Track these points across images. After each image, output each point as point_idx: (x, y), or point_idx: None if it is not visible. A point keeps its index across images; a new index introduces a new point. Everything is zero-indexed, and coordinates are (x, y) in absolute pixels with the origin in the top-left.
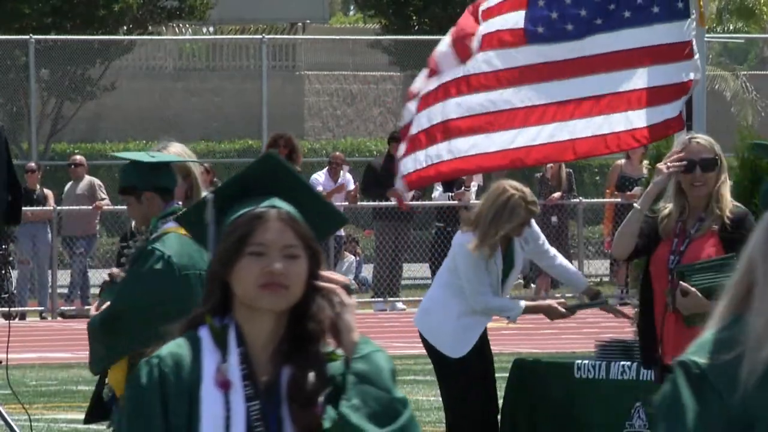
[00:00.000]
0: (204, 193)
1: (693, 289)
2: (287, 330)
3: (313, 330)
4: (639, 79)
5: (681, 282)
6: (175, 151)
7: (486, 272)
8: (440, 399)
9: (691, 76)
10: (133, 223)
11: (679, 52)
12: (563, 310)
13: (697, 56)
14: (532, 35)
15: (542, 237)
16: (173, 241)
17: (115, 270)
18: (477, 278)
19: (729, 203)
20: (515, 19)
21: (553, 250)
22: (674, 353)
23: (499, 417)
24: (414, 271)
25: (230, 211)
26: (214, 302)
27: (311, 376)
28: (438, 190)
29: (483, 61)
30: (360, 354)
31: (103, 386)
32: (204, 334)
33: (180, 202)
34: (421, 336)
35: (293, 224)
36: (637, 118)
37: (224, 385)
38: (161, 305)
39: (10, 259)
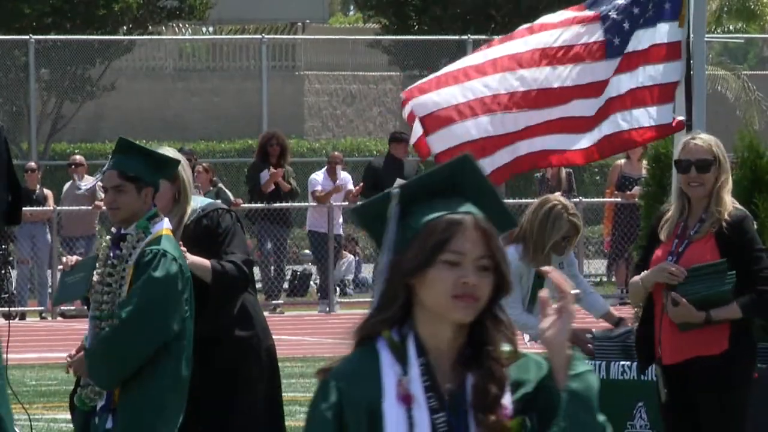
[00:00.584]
0: (193, 197)
1: (683, 300)
2: (467, 336)
3: (493, 335)
4: (641, 78)
5: (672, 291)
6: (173, 153)
7: (520, 286)
8: None
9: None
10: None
11: (676, 50)
12: (590, 340)
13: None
14: (609, 47)
15: (576, 264)
16: (172, 242)
17: (72, 257)
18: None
19: (728, 205)
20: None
21: (581, 277)
22: (671, 354)
23: None
24: None
25: (416, 210)
26: (396, 310)
27: (493, 380)
28: None
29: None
30: (575, 372)
31: (77, 389)
32: (382, 346)
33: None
34: None
35: (488, 235)
36: (635, 120)
37: (406, 399)
38: (175, 308)
39: (10, 259)
